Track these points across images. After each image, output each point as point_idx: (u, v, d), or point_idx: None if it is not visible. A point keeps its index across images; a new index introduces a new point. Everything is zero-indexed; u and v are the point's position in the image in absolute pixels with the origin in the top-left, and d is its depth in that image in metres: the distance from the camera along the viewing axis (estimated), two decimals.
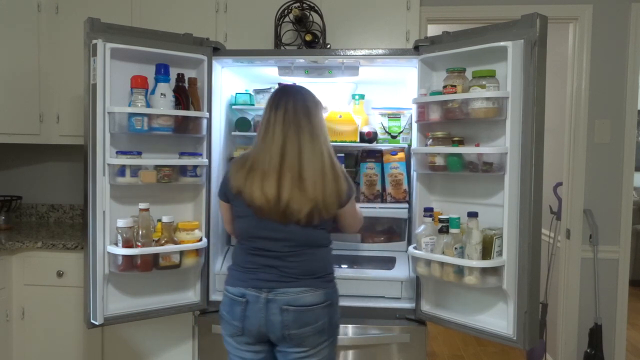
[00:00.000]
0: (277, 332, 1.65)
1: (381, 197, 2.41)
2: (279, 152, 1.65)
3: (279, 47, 2.50)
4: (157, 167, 2.02)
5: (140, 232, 1.95)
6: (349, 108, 2.50)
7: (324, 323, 1.69)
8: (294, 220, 1.65)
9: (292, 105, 1.69)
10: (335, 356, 1.79)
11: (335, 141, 2.32)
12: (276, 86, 2.44)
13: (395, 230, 2.39)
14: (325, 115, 2.11)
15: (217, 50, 2.19)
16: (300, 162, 1.64)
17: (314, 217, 1.65)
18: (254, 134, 2.45)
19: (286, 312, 1.64)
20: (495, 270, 1.83)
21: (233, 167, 1.74)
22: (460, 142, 1.97)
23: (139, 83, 1.97)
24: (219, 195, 1.83)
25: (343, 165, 2.28)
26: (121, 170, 1.96)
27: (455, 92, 1.90)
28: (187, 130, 2.07)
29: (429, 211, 1.98)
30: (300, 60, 2.25)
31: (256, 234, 1.70)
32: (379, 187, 2.41)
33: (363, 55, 2.17)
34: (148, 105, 2.00)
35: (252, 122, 2.45)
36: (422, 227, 1.99)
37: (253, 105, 2.46)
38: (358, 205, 1.90)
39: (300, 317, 1.65)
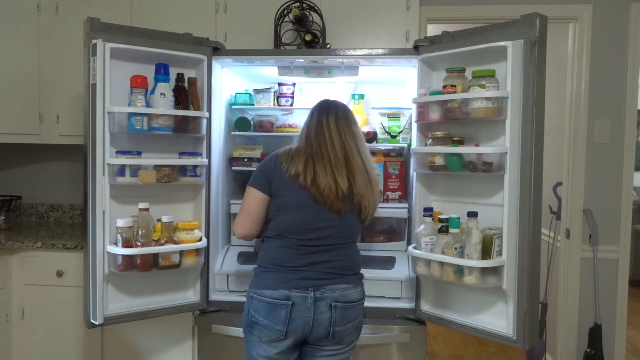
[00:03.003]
0: (323, 331, 1.66)
1: (382, 197, 2.41)
2: (342, 150, 1.71)
3: (279, 47, 2.50)
4: (157, 167, 2.02)
5: (140, 232, 1.95)
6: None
7: (361, 320, 1.76)
8: (359, 214, 1.75)
9: (342, 114, 1.78)
10: None
11: None
12: (276, 86, 2.47)
13: (395, 230, 2.39)
14: None
15: (217, 50, 2.19)
16: (365, 166, 1.74)
17: (371, 218, 1.78)
18: (254, 134, 2.46)
19: (335, 309, 1.66)
20: (495, 270, 1.83)
21: (284, 157, 1.73)
22: (460, 142, 1.97)
23: (139, 83, 1.97)
24: (256, 186, 1.74)
25: None
26: (121, 170, 1.96)
27: (455, 92, 1.90)
28: (187, 130, 2.07)
29: (429, 211, 1.98)
30: (300, 60, 2.25)
31: (311, 225, 1.69)
32: (380, 187, 2.41)
33: (363, 55, 2.17)
34: (148, 105, 2.00)
35: (252, 122, 2.45)
36: (422, 227, 1.99)
37: (253, 105, 2.46)
38: None
39: (347, 313, 1.69)
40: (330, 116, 1.76)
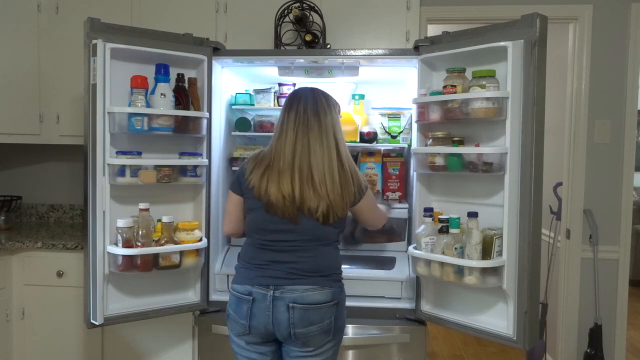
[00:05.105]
0: (284, 331, 1.65)
1: (381, 197, 2.41)
2: (291, 152, 1.69)
3: (279, 47, 2.50)
4: (157, 167, 2.02)
5: (140, 232, 1.95)
6: (349, 108, 2.50)
7: (330, 323, 1.68)
8: (312, 217, 1.68)
9: (303, 105, 1.73)
10: (337, 357, 1.78)
11: None
12: (276, 86, 2.46)
13: (395, 230, 2.39)
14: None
15: (217, 50, 2.19)
16: (309, 162, 1.68)
17: (330, 216, 1.68)
18: (254, 134, 2.46)
19: (292, 310, 1.64)
20: (495, 270, 1.83)
21: (249, 164, 1.76)
22: (460, 142, 1.97)
23: (139, 83, 1.97)
24: (231, 188, 1.82)
25: None
26: (121, 170, 1.96)
27: (455, 92, 1.90)
28: (187, 130, 2.07)
29: (429, 211, 1.98)
30: (300, 60, 2.25)
31: (268, 227, 1.70)
32: (379, 187, 2.41)
33: (363, 55, 2.17)
34: (148, 105, 2.00)
35: (252, 122, 2.45)
36: (422, 227, 1.99)
37: (253, 105, 2.46)
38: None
39: (307, 315, 1.65)
40: (292, 112, 1.73)
